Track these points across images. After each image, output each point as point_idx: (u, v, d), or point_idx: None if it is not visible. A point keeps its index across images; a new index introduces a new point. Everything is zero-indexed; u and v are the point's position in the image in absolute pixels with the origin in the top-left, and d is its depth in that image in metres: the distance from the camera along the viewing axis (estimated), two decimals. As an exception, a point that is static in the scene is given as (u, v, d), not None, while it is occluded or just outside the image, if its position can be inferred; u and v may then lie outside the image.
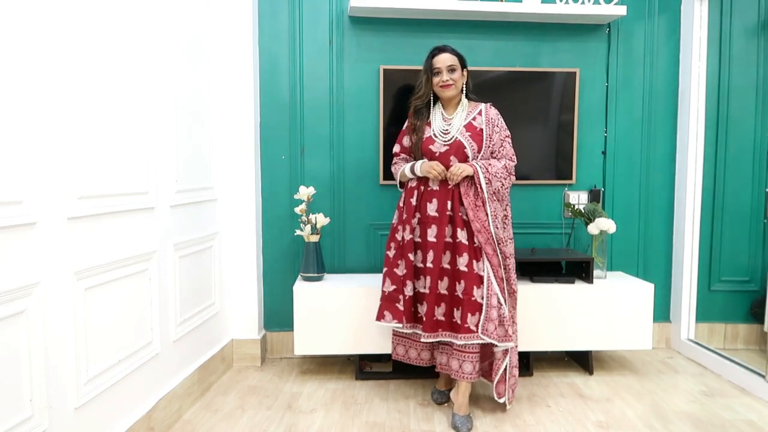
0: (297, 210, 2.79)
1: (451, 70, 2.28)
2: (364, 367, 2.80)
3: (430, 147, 2.33)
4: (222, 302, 2.83)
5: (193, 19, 2.45)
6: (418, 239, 2.37)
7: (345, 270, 3.05)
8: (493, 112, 2.37)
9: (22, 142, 1.43)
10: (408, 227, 2.35)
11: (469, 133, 2.31)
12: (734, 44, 3.05)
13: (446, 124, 2.34)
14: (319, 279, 2.81)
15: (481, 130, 2.33)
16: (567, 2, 2.91)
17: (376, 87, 2.97)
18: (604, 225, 2.78)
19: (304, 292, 2.66)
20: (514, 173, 2.34)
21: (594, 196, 3.09)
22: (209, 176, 2.68)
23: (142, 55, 2.01)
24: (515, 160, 2.36)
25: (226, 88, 2.80)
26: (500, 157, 2.33)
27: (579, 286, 2.73)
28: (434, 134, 2.33)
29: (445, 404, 2.45)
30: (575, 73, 3.01)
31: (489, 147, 2.32)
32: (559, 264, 2.92)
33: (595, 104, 3.10)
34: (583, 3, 2.91)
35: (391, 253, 2.39)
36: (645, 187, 3.16)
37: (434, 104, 2.39)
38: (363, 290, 2.66)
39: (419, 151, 2.36)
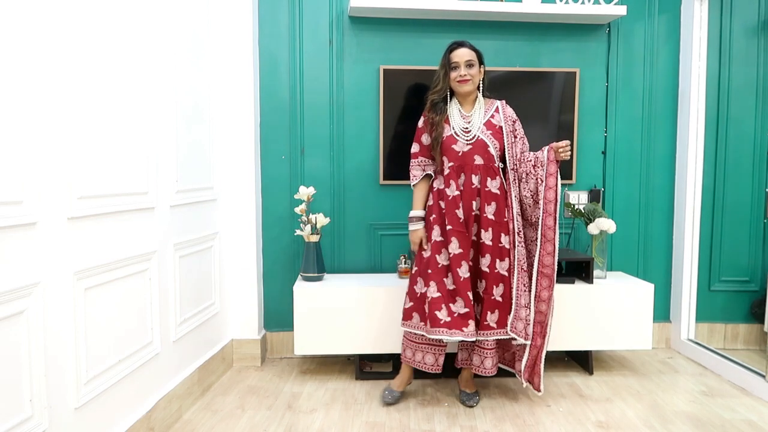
0: (297, 210, 2.79)
1: (469, 65, 2.30)
2: (364, 367, 2.80)
3: (453, 147, 2.34)
4: (222, 302, 2.83)
5: (193, 19, 2.45)
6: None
7: (345, 270, 3.05)
8: (510, 109, 2.42)
9: (22, 142, 1.42)
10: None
11: (490, 132, 2.34)
12: (734, 44, 3.05)
13: (465, 122, 2.35)
14: (319, 279, 2.81)
15: (501, 127, 2.36)
16: (567, 2, 2.91)
17: (376, 87, 2.97)
18: (604, 225, 2.78)
19: (304, 292, 2.65)
20: None
21: (594, 196, 3.09)
22: (209, 176, 2.68)
23: (142, 56, 2.01)
24: None
25: (226, 88, 2.80)
26: (526, 152, 2.38)
27: (579, 286, 2.73)
28: (455, 133, 2.34)
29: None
30: (575, 73, 3.01)
31: (511, 144, 2.35)
32: (559, 264, 2.91)
33: (595, 104, 3.10)
34: (583, 3, 2.91)
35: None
36: (645, 187, 3.16)
37: (450, 100, 2.39)
38: (363, 290, 2.66)
39: (439, 148, 2.35)
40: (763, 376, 2.53)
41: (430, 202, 2.42)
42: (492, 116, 2.37)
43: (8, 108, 1.38)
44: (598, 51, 3.08)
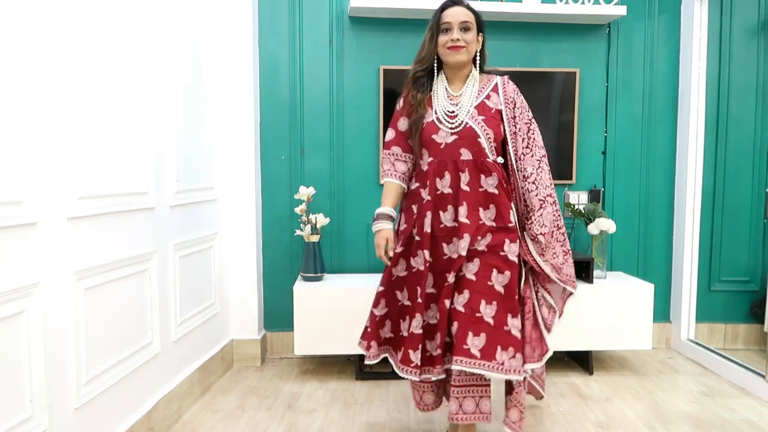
0: (297, 210, 2.79)
1: (465, 28, 1.76)
2: (364, 367, 2.80)
3: (433, 137, 1.81)
4: (222, 302, 2.83)
5: (193, 19, 2.45)
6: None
7: (345, 270, 3.05)
8: (512, 87, 1.85)
9: (22, 142, 1.42)
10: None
11: (483, 117, 1.79)
12: (734, 44, 3.05)
13: (452, 104, 1.81)
14: (319, 279, 2.81)
15: (498, 112, 1.81)
16: (567, 2, 2.91)
17: (376, 87, 2.97)
18: (604, 225, 2.78)
19: (304, 292, 2.66)
20: (553, 186, 1.85)
21: (594, 196, 3.10)
22: (209, 176, 2.68)
23: (142, 56, 2.01)
24: (545, 151, 1.86)
25: (226, 88, 2.80)
26: (532, 149, 1.82)
27: (579, 286, 2.72)
28: (437, 118, 1.81)
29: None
30: (575, 73, 3.01)
31: (513, 134, 1.82)
32: (559, 264, 2.92)
33: (595, 104, 3.10)
34: (583, 3, 2.91)
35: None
36: (645, 187, 3.16)
37: (437, 75, 1.86)
38: (363, 290, 2.66)
39: (418, 138, 1.83)
40: (763, 376, 2.53)
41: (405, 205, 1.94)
42: (488, 96, 1.82)
43: (8, 108, 1.38)
44: (598, 51, 3.08)
